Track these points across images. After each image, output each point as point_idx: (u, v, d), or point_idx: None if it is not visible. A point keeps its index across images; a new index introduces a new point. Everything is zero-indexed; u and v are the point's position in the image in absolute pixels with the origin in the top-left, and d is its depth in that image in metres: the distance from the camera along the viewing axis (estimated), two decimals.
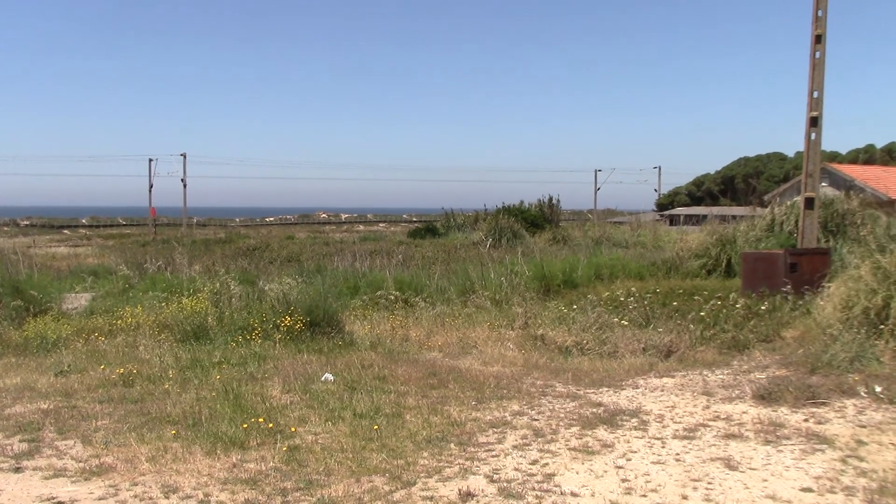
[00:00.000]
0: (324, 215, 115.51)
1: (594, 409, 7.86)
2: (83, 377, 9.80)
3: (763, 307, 12.88)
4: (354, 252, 29.13)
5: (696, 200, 75.87)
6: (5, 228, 71.56)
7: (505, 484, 5.71)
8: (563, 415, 7.69)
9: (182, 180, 71.58)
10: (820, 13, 17.01)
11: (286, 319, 12.02)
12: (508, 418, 7.57)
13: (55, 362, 10.84)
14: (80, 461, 6.41)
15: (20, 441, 7.02)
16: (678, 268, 21.31)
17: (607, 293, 14.71)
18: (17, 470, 6.25)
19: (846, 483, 5.68)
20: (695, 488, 5.62)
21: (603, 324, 12.43)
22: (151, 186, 71.16)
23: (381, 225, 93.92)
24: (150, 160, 70.85)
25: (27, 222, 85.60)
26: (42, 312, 14.91)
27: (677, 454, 6.39)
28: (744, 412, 7.68)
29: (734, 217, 32.61)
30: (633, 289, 14.66)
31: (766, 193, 51.46)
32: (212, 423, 7.33)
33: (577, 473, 5.96)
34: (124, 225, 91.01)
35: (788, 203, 25.09)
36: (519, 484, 5.72)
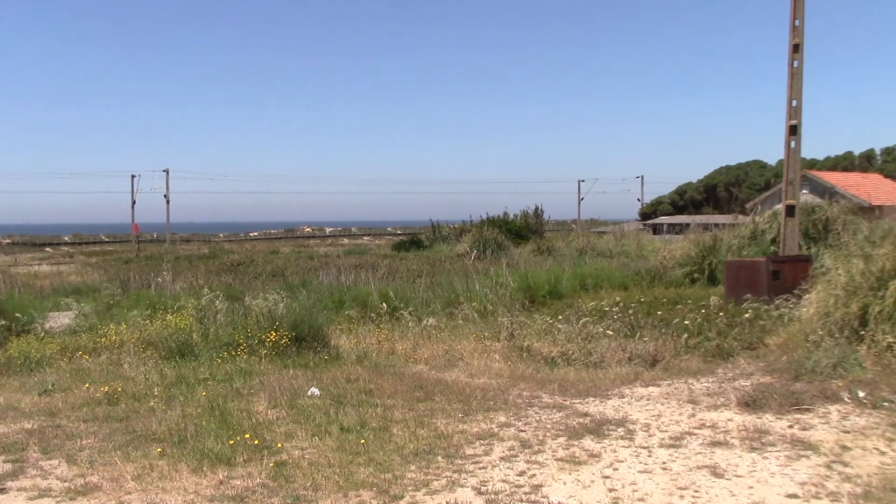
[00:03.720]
0: (308, 229, 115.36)
1: (581, 420, 7.88)
2: (67, 396, 9.74)
3: (746, 315, 12.95)
4: (339, 266, 29.15)
5: (678, 209, 76.35)
6: None
7: (493, 496, 5.72)
8: (549, 425, 7.71)
9: (165, 196, 71.37)
10: (797, 23, 17.21)
11: (271, 335, 11.99)
12: (495, 430, 7.58)
13: (39, 381, 10.76)
14: (66, 481, 6.36)
15: (4, 461, 6.96)
16: (662, 277, 21.42)
17: (592, 303, 14.75)
18: (2, 491, 6.20)
19: (831, 488, 5.73)
20: (681, 496, 5.65)
21: (588, 334, 12.47)
22: (134, 203, 70.99)
23: (365, 238, 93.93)
24: (133, 176, 70.81)
25: (8, 240, 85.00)
26: (25, 331, 14.83)
27: (664, 463, 6.42)
28: (729, 420, 7.72)
29: (717, 225, 32.84)
30: (617, 298, 14.73)
31: (747, 201, 51.88)
32: (198, 440, 7.30)
33: (565, 484, 5.97)
34: (107, 242, 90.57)
35: (770, 211, 25.30)
36: (507, 495, 5.73)
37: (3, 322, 14.85)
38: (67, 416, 8.64)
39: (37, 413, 8.86)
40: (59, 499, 5.97)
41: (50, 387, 10.26)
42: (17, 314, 15.33)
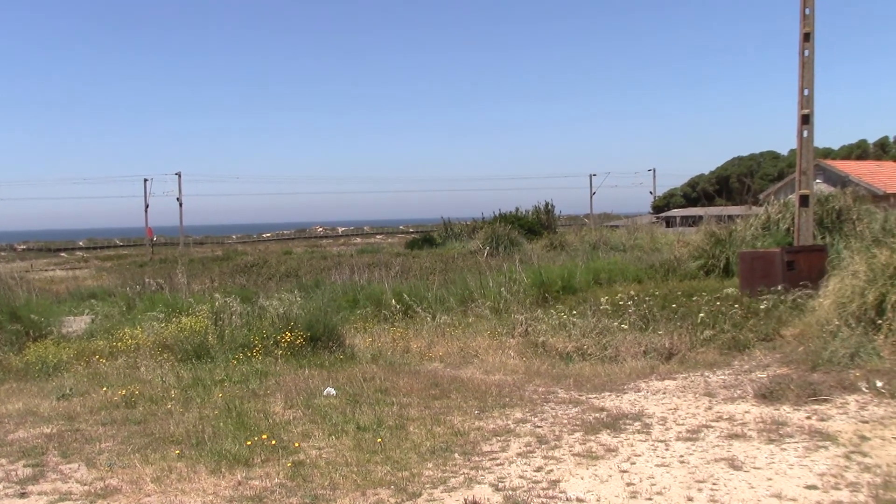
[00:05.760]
0: (320, 229, 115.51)
1: (597, 414, 7.87)
2: (85, 400, 9.80)
3: (762, 306, 12.88)
4: (352, 265, 29.17)
5: (691, 201, 75.98)
6: (2, 254, 71.53)
7: (510, 492, 5.72)
8: (566, 421, 7.70)
9: (178, 199, 71.72)
10: (807, 11, 17.08)
11: (287, 335, 12.03)
12: (512, 426, 7.58)
13: (57, 386, 10.84)
14: (85, 484, 6.40)
15: (24, 466, 7.01)
16: (676, 269, 21.28)
17: (606, 297, 14.69)
18: (23, 495, 6.24)
19: (850, 479, 5.70)
20: (700, 489, 5.63)
21: (603, 328, 12.44)
22: (147, 206, 71.40)
23: (378, 237, 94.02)
24: (146, 180, 71.23)
25: (24, 247, 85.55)
26: (42, 337, 14.89)
27: (681, 456, 6.41)
28: (746, 412, 7.70)
29: (730, 217, 32.62)
30: (631, 292, 14.66)
31: (760, 192, 51.56)
32: (215, 441, 7.34)
33: (582, 479, 5.97)
34: (121, 246, 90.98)
35: (783, 201, 25.13)
36: (524, 491, 5.73)
37: (21, 327, 14.94)
38: (86, 420, 8.69)
39: (56, 417, 8.91)
40: (79, 502, 6.01)
41: (68, 391, 10.33)
42: (33, 319, 15.40)
